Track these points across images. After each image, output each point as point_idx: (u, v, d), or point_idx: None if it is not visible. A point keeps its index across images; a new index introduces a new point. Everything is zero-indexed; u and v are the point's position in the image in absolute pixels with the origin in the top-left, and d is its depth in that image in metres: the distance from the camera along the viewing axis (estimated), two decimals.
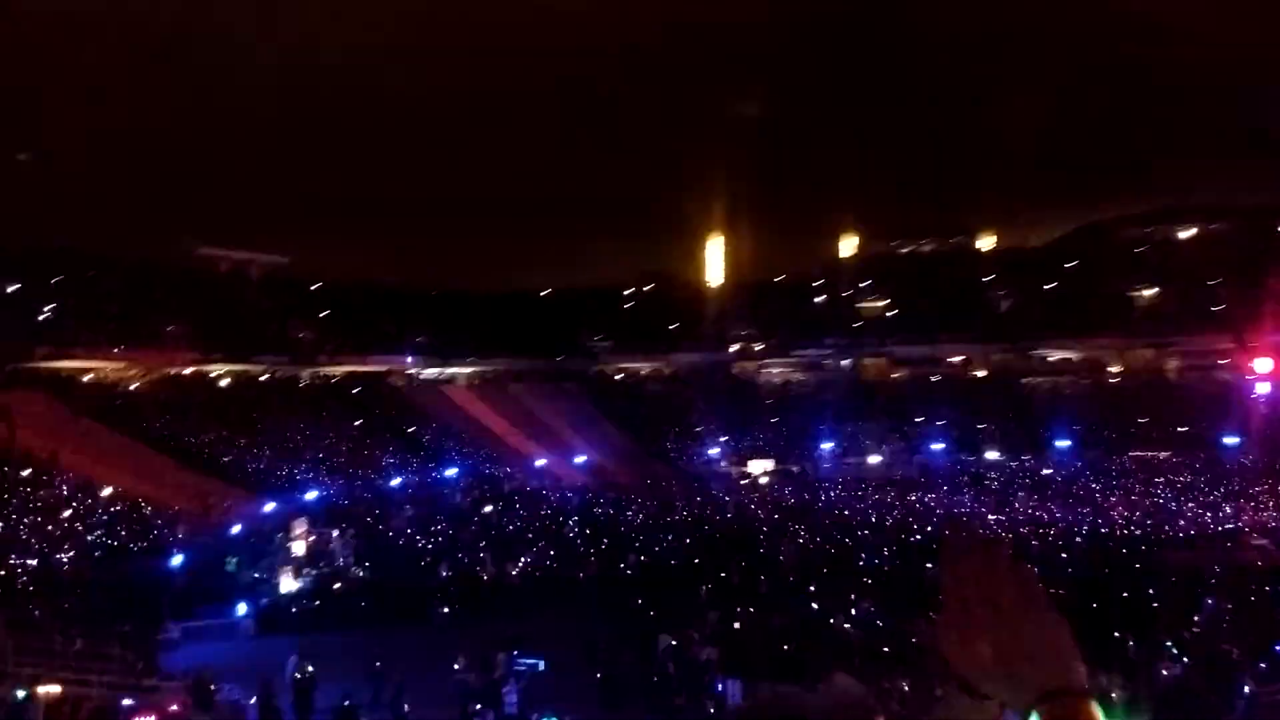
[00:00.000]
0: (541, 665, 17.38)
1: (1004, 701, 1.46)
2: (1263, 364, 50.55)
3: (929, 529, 28.36)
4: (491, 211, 74.54)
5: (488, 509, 33.68)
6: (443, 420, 49.76)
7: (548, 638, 18.23)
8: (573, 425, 51.75)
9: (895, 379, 58.71)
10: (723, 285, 71.77)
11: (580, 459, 48.02)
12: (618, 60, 75.12)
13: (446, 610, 22.31)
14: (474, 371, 59.07)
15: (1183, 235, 64.42)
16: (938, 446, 49.49)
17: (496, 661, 16.84)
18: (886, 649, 15.97)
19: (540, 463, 46.31)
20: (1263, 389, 49.77)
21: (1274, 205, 62.69)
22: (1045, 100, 65.51)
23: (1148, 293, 60.25)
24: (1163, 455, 44.59)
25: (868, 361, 60.25)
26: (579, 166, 78.34)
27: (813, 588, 20.88)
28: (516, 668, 17.03)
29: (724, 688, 15.04)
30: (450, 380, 57.59)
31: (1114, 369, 56.77)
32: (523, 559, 25.27)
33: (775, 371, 61.22)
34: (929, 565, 20.87)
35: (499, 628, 18.67)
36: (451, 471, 42.39)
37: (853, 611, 18.87)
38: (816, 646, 16.23)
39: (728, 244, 73.70)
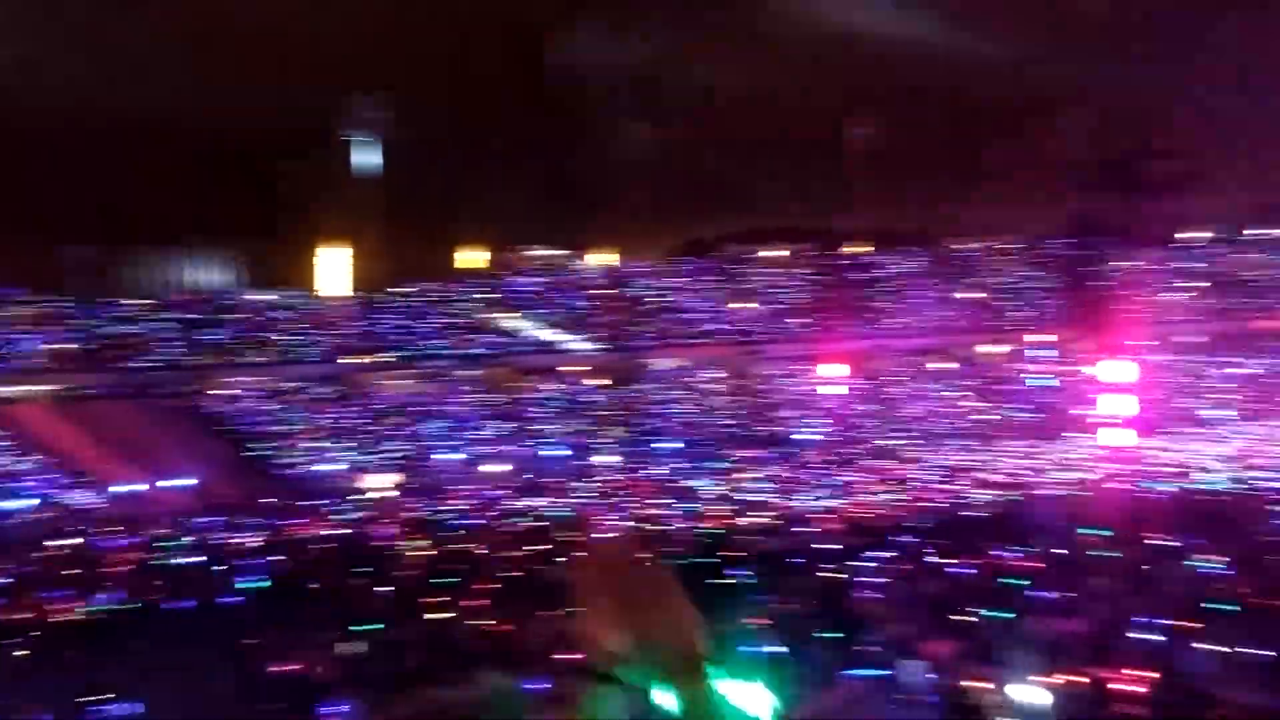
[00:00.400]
0: (132, 710, 15.68)
1: (635, 681, 1.44)
2: (834, 368, 57.37)
3: (553, 531, 29.07)
4: (83, 215, 66.50)
5: (61, 541, 30.00)
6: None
7: (138, 678, 16.46)
8: (170, 444, 47.58)
9: (520, 387, 59.93)
10: (342, 295, 69.22)
11: (179, 480, 44.25)
12: (231, 71, 70.22)
13: (12, 658, 19.49)
14: (46, 389, 52.24)
15: (769, 253, 71.64)
16: (561, 452, 51.57)
17: (74, 713, 14.99)
18: (520, 648, 16.13)
19: (129, 486, 42.17)
20: (834, 390, 56.69)
21: (843, 229, 71.71)
22: (656, 124, 69.49)
23: (742, 304, 66.61)
24: (754, 452, 49.30)
25: (492, 370, 60.97)
26: (183, 173, 72.00)
27: (441, 597, 20.67)
28: (102, 715, 15.26)
29: (340, 708, 14.41)
30: (13, 399, 50.51)
31: (716, 374, 61.72)
32: (107, 593, 22.71)
33: (397, 382, 60.12)
34: (554, 564, 21.61)
35: (77, 674, 16.63)
36: (13, 503, 37.55)
37: (482, 616, 18.93)
38: (446, 654, 16.11)
39: (347, 253, 71.17)
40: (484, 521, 34.21)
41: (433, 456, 51.56)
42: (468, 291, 67.53)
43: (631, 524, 31.81)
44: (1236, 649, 15.87)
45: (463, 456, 51.54)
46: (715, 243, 75.82)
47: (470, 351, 62.15)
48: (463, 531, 31.11)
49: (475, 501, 40.65)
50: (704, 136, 77.01)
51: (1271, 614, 17.14)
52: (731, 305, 66.68)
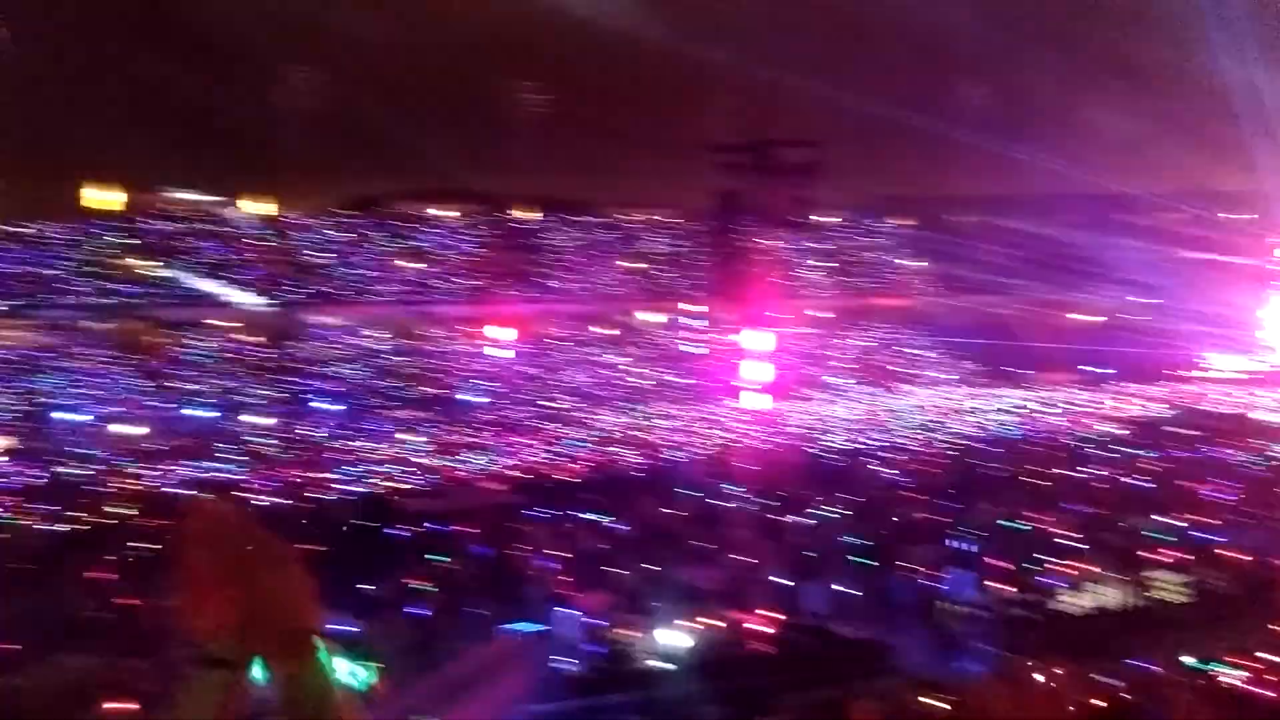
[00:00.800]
0: None
1: (242, 659, 1.41)
2: (501, 331, 57.84)
3: (187, 497, 27.16)
4: None
5: None
6: None
7: None
8: None
9: (161, 342, 55.14)
10: None
11: None
12: None
13: None
14: None
15: (438, 213, 70.56)
16: (205, 413, 48.20)
17: None
18: (123, 626, 15.12)
19: None
20: (501, 353, 57.20)
21: (511, 192, 72.05)
22: (322, 74, 65.60)
23: (409, 263, 65.24)
24: (419, 414, 48.75)
25: (128, 323, 55.54)
26: None
27: (60, 571, 18.78)
28: None
29: None
30: None
31: (381, 334, 60.10)
32: None
33: (9, 333, 53.20)
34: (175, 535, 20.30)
35: None
36: None
37: (107, 590, 17.45)
38: (59, 631, 14.76)
39: None
40: (113, 488, 31.34)
41: (53, 417, 46.30)
42: (98, 234, 60.84)
43: (286, 487, 30.48)
44: (845, 589, 18.03)
45: (90, 417, 46.69)
46: (382, 199, 73.50)
47: (102, 301, 56.21)
48: (87, 499, 28.28)
49: (102, 467, 37.03)
50: (373, 91, 74.26)
51: (869, 557, 19.56)
52: (398, 264, 65.14)
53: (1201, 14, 51.18)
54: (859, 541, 20.37)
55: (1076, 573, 17.96)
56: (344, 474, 33.55)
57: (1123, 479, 26.03)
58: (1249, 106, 53.28)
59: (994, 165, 67.87)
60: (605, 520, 22.45)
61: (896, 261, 74.93)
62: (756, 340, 41.28)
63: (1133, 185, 66.01)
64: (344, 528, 22.01)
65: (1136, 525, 20.74)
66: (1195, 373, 56.13)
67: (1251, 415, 40.27)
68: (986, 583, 17.44)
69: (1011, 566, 18.30)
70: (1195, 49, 53.89)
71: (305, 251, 64.08)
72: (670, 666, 15.01)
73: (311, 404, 50.47)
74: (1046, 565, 18.24)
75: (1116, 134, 59.13)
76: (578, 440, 41.27)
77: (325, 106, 66.39)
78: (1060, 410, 45.69)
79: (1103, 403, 47.94)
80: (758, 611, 16.44)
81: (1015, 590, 17.50)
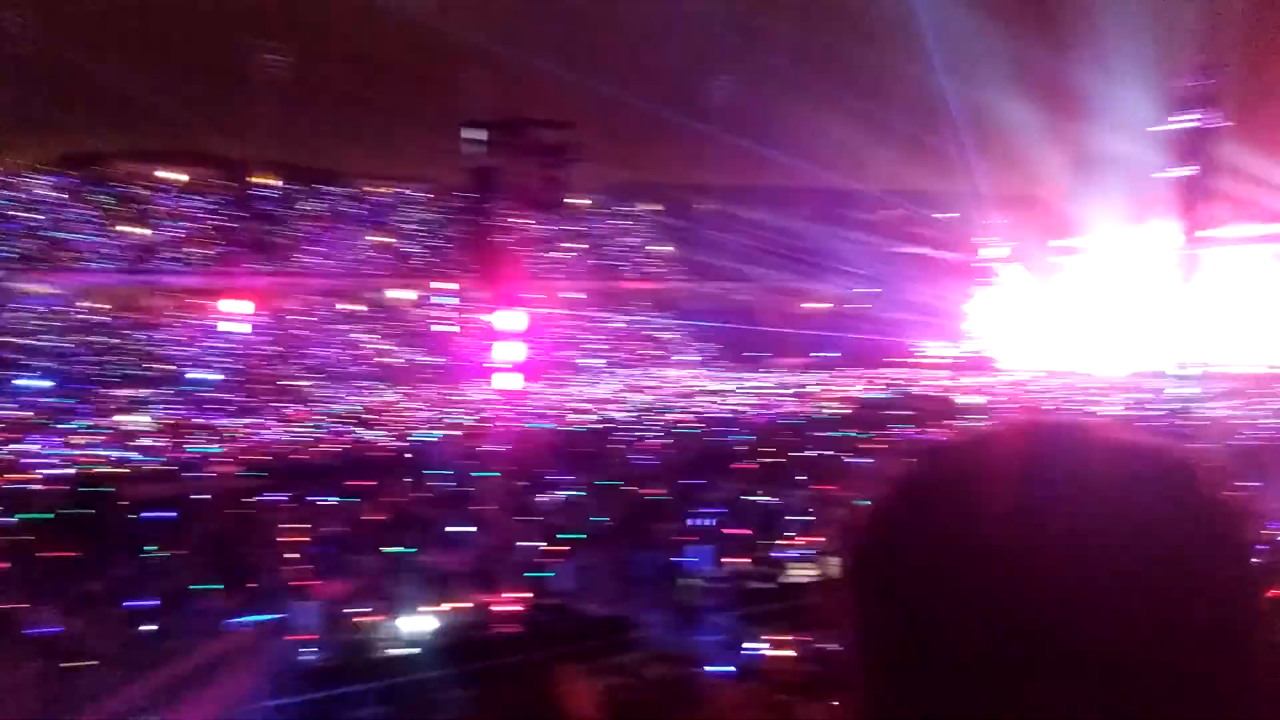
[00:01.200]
0: None
1: None
2: (237, 305, 54.52)
3: None
4: None
5: None
6: None
7: None
8: None
9: None
10: None
11: None
12: None
13: None
14: None
15: (170, 175, 65.46)
16: None
17: None
18: None
19: None
20: (237, 328, 53.90)
21: (250, 158, 67.92)
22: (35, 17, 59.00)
23: (135, 229, 60.20)
24: (143, 391, 45.27)
25: None
26: None
27: None
28: None
29: None
30: None
31: (102, 306, 55.29)
32: None
33: None
34: None
35: None
36: None
37: None
38: None
39: None
40: None
41: None
42: None
43: None
44: (591, 567, 18.40)
45: None
46: (102, 158, 67.25)
47: None
48: None
49: None
50: (93, 39, 67.70)
51: (622, 537, 20.07)
52: (120, 229, 59.94)
53: (919, 33, 56.11)
54: (606, 519, 20.82)
55: (807, 545, 19.15)
56: (51, 456, 30.64)
57: (847, 458, 27.96)
58: (955, 116, 58.87)
59: (736, 157, 71.10)
60: (347, 504, 21.75)
61: (645, 246, 76.87)
62: (509, 320, 41.12)
63: (856, 182, 71.08)
64: (53, 515, 20.19)
65: (859, 500, 22.34)
66: (910, 358, 61.13)
67: (957, 397, 44.33)
68: (724, 558, 18.28)
69: (747, 541, 19.29)
70: (911, 63, 58.97)
71: (10, 211, 57.72)
72: (414, 652, 14.79)
73: (14, 380, 45.63)
74: (779, 539, 19.35)
75: (843, 134, 63.43)
76: (319, 420, 39.70)
77: (38, 54, 59.95)
78: (792, 392, 48.49)
79: (830, 386, 51.31)
80: (504, 593, 16.48)
81: (750, 564, 18.45)
